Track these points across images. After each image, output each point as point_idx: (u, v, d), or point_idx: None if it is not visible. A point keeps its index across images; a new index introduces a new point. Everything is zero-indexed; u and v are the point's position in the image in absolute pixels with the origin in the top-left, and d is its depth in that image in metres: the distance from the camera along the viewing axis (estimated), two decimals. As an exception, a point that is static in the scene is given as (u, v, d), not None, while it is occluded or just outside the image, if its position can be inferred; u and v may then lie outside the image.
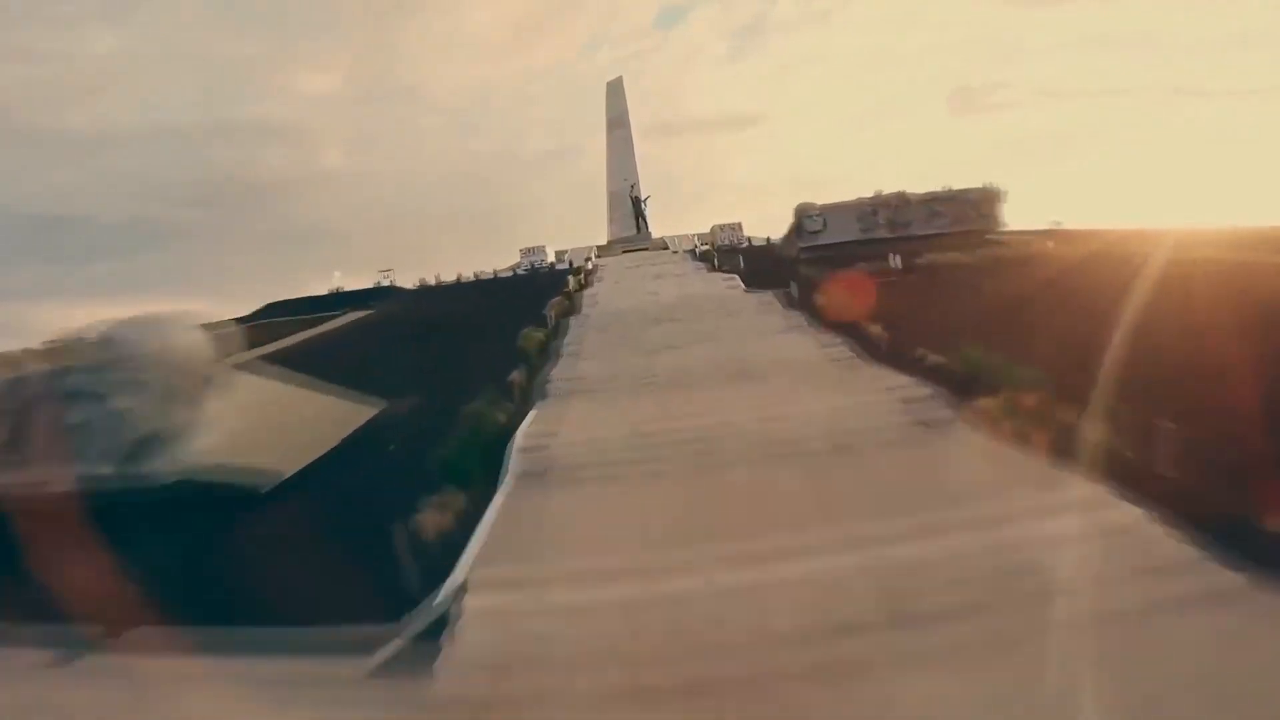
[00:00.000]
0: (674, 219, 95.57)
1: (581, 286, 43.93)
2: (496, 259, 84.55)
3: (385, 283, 61.79)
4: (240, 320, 62.60)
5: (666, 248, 67.72)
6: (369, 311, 50.78)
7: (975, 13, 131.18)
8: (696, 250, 58.48)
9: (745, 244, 59.96)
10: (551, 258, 65.89)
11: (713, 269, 46.93)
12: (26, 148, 70.82)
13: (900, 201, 43.13)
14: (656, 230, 78.68)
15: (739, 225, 62.96)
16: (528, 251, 64.64)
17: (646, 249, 68.92)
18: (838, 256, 39.38)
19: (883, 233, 42.86)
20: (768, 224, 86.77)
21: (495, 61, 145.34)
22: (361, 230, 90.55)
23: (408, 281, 61.47)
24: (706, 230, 67.00)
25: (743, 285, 37.71)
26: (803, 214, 43.82)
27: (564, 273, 53.57)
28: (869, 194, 42.81)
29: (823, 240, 43.23)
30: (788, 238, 46.22)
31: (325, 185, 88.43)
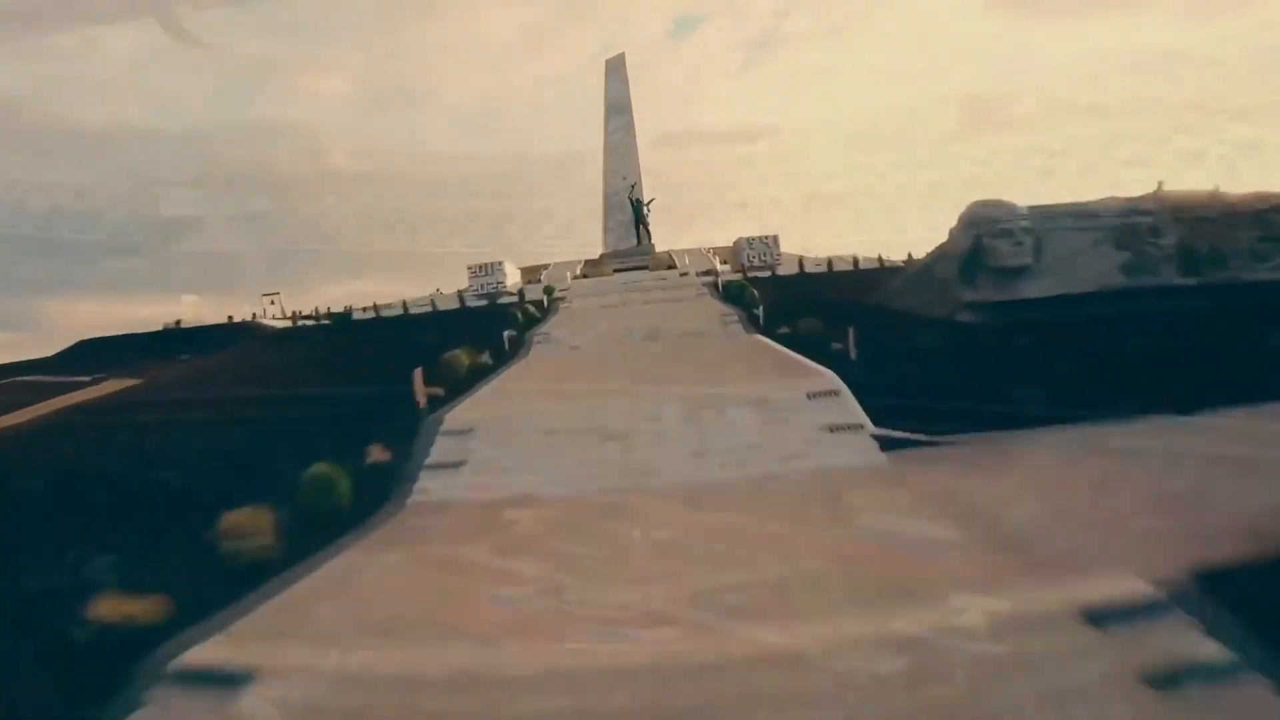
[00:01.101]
0: (682, 230, 77.60)
1: (455, 390, 19.97)
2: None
3: (262, 312, 47.86)
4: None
5: (673, 266, 49.65)
6: (133, 383, 29.70)
7: (986, 26, 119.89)
8: (718, 280, 37.62)
9: (782, 265, 43.22)
10: (513, 278, 48.27)
11: (754, 328, 24.01)
12: (36, 145, 63.53)
13: (1216, 213, 19.03)
14: (661, 241, 60.52)
15: (774, 239, 45.98)
16: (477, 271, 46.43)
17: (647, 268, 50.78)
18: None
19: (1175, 275, 18.71)
20: (795, 238, 67.64)
21: (505, 67, 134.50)
22: (366, 234, 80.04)
23: (311, 306, 49.82)
24: (726, 242, 51.75)
25: (868, 426, 13.70)
26: (988, 223, 19.54)
27: (505, 311, 35.03)
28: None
29: (1033, 288, 19.02)
30: (939, 272, 21.68)
31: (331, 187, 78.01)
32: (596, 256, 61.39)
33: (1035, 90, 61.59)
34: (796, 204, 75.18)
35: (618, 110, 66.56)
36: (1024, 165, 65.29)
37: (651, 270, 49.22)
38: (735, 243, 47.93)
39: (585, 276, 51.43)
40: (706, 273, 42.95)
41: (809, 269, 42.20)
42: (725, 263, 47.51)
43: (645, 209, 60.11)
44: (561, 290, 41.37)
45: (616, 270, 51.50)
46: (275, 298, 50.43)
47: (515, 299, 40.04)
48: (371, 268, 78.41)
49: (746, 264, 43.42)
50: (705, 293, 34.77)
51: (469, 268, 48.06)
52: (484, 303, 42.01)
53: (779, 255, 45.11)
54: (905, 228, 71.20)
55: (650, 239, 59.64)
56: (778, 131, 77.38)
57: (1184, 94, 56.25)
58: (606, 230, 63.75)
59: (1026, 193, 65.68)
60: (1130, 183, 60.59)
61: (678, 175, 78.64)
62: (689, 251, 57.03)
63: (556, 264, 59.16)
